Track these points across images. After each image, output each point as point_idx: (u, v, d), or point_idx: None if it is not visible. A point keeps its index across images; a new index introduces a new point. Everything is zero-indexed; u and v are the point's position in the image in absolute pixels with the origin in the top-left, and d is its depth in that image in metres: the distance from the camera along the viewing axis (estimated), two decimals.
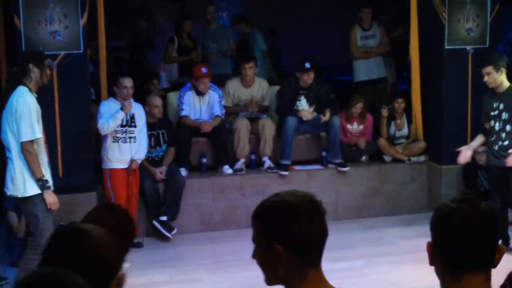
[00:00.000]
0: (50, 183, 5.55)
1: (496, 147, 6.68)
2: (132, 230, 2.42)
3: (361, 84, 9.56)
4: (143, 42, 10.80)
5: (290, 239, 1.99)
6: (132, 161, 7.28)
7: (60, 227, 2.11)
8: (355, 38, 9.51)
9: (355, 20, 9.58)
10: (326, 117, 8.15)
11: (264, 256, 2.04)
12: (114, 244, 2.04)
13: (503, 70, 6.52)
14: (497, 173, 6.79)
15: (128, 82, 7.16)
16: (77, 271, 1.84)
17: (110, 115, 7.08)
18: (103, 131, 7.11)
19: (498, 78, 6.52)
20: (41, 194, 5.47)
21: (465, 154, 6.91)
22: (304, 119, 8.20)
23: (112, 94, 7.35)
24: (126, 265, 2.16)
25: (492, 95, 6.71)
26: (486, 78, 6.55)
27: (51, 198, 5.50)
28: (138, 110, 7.34)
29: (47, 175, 5.54)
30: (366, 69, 9.53)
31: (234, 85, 8.48)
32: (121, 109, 7.08)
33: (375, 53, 9.49)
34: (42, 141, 5.53)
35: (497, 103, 6.63)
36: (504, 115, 6.60)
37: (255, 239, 2.07)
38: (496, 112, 6.64)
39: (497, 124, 6.66)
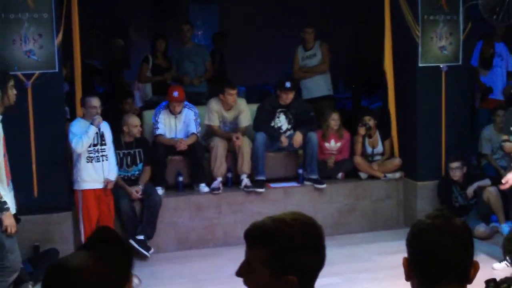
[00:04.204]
0: (11, 206, 5.41)
1: None
2: (129, 250, 2.33)
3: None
4: (121, 61, 10.75)
5: (303, 270, 1.95)
6: (107, 182, 7.25)
7: (48, 269, 2.01)
8: (297, 59, 9.63)
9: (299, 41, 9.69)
10: (296, 142, 8.25)
11: (270, 284, 1.97)
12: (108, 270, 1.94)
13: None
14: None
15: (96, 101, 7.12)
16: None
17: (81, 132, 7.04)
18: (78, 149, 7.05)
19: None
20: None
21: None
22: (284, 145, 8.31)
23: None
24: (135, 281, 2.08)
25: None
26: None
27: (8, 220, 5.33)
28: (105, 128, 7.28)
29: (8, 197, 5.39)
30: (309, 88, 9.59)
31: (217, 106, 8.33)
32: (91, 123, 7.06)
33: (313, 72, 9.54)
34: (2, 164, 5.37)
35: None
36: None
37: (255, 264, 1.99)
38: None
39: None
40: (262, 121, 8.34)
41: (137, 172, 7.79)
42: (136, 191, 7.59)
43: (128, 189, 7.58)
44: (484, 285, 2.71)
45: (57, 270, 1.88)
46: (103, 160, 7.20)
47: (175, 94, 8.06)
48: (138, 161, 7.79)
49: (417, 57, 8.25)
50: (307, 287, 1.99)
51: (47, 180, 7.16)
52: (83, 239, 7.12)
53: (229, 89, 8.20)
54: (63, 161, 7.36)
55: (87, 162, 7.14)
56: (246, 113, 8.39)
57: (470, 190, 8.05)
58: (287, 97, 8.30)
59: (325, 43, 9.63)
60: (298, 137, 8.28)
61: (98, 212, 7.17)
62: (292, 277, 1.93)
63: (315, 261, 1.99)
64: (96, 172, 7.17)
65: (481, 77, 9.68)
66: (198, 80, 9.62)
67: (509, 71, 9.58)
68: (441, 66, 8.29)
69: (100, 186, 7.20)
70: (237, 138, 8.10)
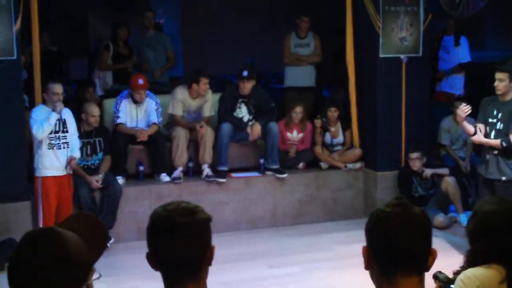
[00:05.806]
0: None
1: (488, 156, 6.63)
2: (104, 238, 2.35)
3: (288, 90, 9.72)
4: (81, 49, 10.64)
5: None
6: (71, 159, 7.09)
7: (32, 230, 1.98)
8: (289, 44, 9.66)
9: (292, 28, 9.69)
10: (254, 134, 8.28)
11: None
12: (86, 250, 1.99)
13: None
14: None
15: (58, 88, 7.03)
16: (47, 274, 1.78)
17: (43, 119, 6.95)
18: (39, 136, 6.95)
19: (507, 87, 6.41)
20: None
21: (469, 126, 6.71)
22: (251, 138, 8.32)
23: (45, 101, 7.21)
24: (95, 276, 2.10)
25: (493, 100, 6.61)
26: (496, 83, 6.43)
27: None
28: (68, 115, 7.22)
29: None
30: (295, 76, 9.67)
31: (183, 95, 8.25)
32: (53, 110, 6.97)
33: (305, 61, 9.63)
34: None
35: (497, 111, 6.54)
36: (499, 125, 6.53)
37: None
38: (494, 120, 6.57)
39: (492, 132, 6.58)
40: (226, 112, 8.32)
41: (97, 161, 7.72)
42: (96, 180, 7.52)
43: (88, 178, 7.51)
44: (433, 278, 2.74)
45: (43, 230, 1.89)
46: (64, 148, 7.13)
47: (141, 81, 7.98)
48: (98, 150, 7.72)
49: (378, 48, 8.30)
50: None
51: (5, 169, 7.06)
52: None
53: (204, 78, 8.15)
54: (21, 150, 7.25)
55: (48, 149, 7.06)
56: (210, 103, 8.37)
57: (428, 172, 8.07)
58: (245, 86, 8.28)
59: (318, 36, 9.69)
60: (256, 128, 8.27)
61: (57, 200, 7.09)
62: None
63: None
64: (58, 159, 7.09)
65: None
66: (159, 72, 9.50)
67: (461, 63, 9.62)
68: (401, 57, 8.35)
69: (61, 173, 7.12)
70: (201, 126, 8.07)
